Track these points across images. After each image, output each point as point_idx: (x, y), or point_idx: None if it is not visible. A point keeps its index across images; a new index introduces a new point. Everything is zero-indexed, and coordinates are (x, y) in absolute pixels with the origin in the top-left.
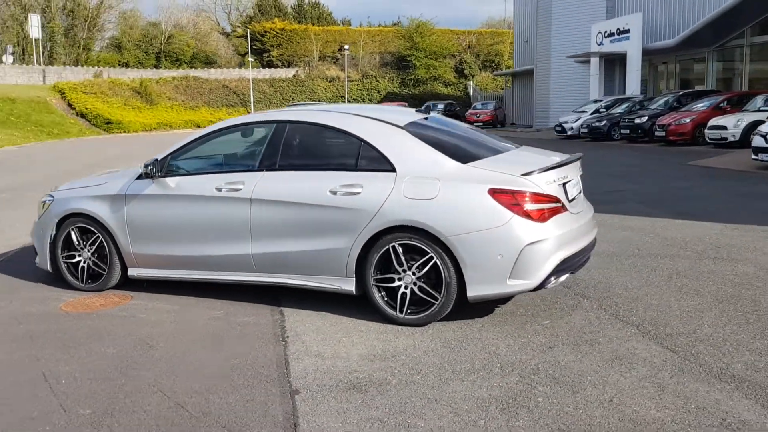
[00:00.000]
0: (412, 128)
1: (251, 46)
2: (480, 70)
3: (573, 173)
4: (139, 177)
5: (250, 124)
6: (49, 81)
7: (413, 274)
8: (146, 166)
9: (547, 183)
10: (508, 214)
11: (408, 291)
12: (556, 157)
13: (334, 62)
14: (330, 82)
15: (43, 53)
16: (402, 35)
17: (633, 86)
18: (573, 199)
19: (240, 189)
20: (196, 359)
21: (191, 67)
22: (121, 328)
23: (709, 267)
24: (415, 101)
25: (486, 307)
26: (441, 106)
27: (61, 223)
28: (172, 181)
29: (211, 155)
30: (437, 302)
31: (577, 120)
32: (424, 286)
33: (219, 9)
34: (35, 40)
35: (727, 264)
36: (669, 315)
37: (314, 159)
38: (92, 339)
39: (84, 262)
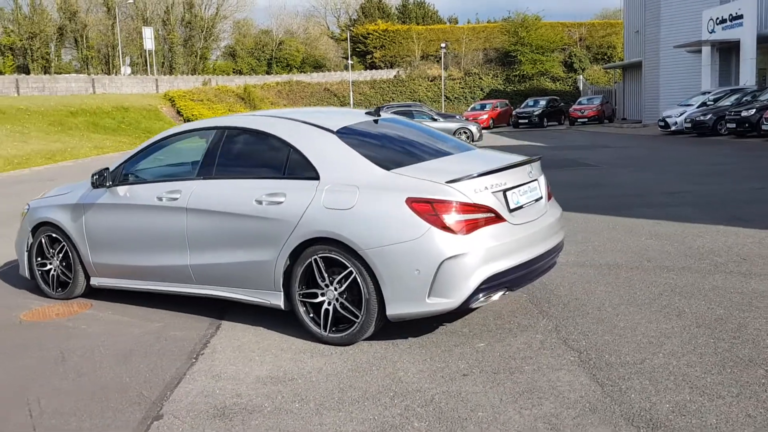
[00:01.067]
0: (345, 132)
1: (354, 48)
2: (591, 63)
3: (520, 178)
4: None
5: (193, 131)
6: (161, 90)
7: (335, 289)
8: (93, 176)
9: (477, 191)
10: (425, 225)
11: (331, 308)
12: (504, 161)
13: (437, 61)
14: (431, 81)
15: (164, 63)
16: (507, 30)
17: (746, 76)
18: (518, 207)
19: (177, 198)
20: (94, 376)
21: (301, 72)
22: (54, 338)
23: (715, 282)
24: (520, 98)
25: (429, 323)
26: (543, 103)
27: (35, 231)
28: (121, 190)
29: (162, 164)
30: (358, 320)
31: (681, 114)
32: (345, 302)
33: (329, 13)
34: (149, 51)
35: (739, 279)
36: (626, 341)
37: (246, 166)
38: (19, 349)
39: (54, 270)
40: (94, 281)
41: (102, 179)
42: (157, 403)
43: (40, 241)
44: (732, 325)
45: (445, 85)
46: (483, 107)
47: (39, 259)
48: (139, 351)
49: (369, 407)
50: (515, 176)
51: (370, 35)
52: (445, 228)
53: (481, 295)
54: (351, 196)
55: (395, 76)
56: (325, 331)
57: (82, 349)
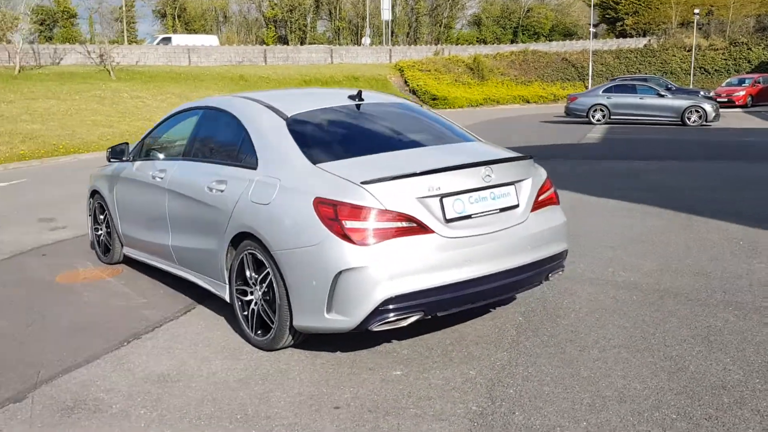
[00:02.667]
0: (299, 119)
1: (603, 15)
2: None
3: (471, 182)
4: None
5: (188, 110)
6: (393, 60)
7: (259, 289)
8: (107, 150)
9: (395, 195)
10: (323, 231)
11: (257, 308)
12: (459, 161)
13: (698, 29)
14: (688, 51)
15: (408, 34)
16: None
17: None
18: (463, 217)
19: (162, 177)
20: (28, 343)
21: (549, 40)
22: (50, 302)
23: (700, 310)
24: None
25: (364, 339)
26: None
27: (91, 198)
28: (134, 165)
29: (174, 142)
30: (273, 327)
31: None
32: (264, 305)
33: None
34: (386, 22)
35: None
36: (538, 386)
37: (212, 149)
38: (10, 307)
39: (102, 236)
40: (124, 250)
41: (115, 154)
42: (39, 384)
43: (94, 208)
44: (657, 348)
45: (703, 56)
46: (741, 82)
47: (95, 224)
48: (93, 326)
49: (205, 427)
50: (463, 180)
51: (622, 0)
52: (345, 236)
53: (386, 316)
54: (271, 190)
55: (645, 46)
56: (252, 331)
57: (54, 316)
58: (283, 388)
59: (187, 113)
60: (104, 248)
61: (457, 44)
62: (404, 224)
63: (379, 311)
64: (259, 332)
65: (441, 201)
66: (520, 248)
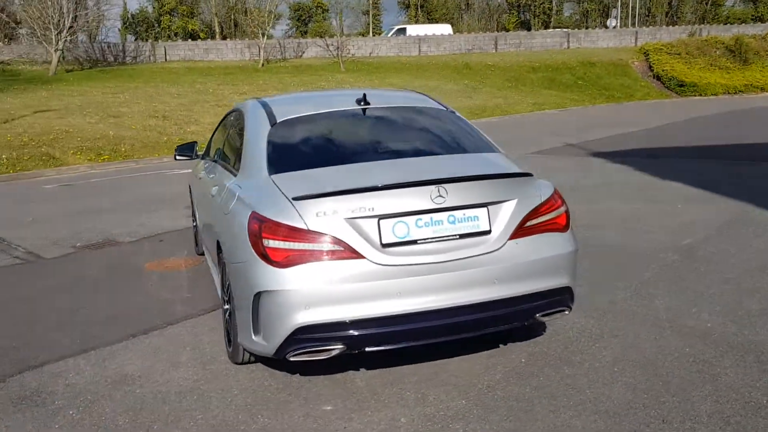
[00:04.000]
0: (287, 123)
1: None
2: None
3: (417, 203)
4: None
5: (232, 110)
6: (639, 42)
7: (228, 301)
8: (176, 148)
9: (322, 214)
10: (248, 249)
11: (225, 321)
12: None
13: None
14: None
15: (668, 13)
16: None
17: None
18: (406, 242)
19: (213, 176)
20: (48, 333)
21: None
22: (118, 287)
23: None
24: None
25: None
26: None
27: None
28: (201, 163)
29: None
30: (231, 341)
31: None
32: (228, 318)
33: None
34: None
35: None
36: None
37: (229, 151)
38: (77, 291)
39: (194, 228)
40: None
41: (182, 151)
42: (23, 370)
43: (191, 201)
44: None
45: None
46: None
47: (192, 215)
48: (121, 317)
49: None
50: (407, 200)
51: None
52: (264, 256)
53: (303, 346)
54: (231, 200)
55: None
56: (227, 342)
57: (104, 302)
58: (208, 407)
59: (231, 113)
60: (195, 239)
61: (725, 23)
62: (329, 247)
63: (294, 340)
64: (229, 345)
65: (378, 223)
66: (485, 281)
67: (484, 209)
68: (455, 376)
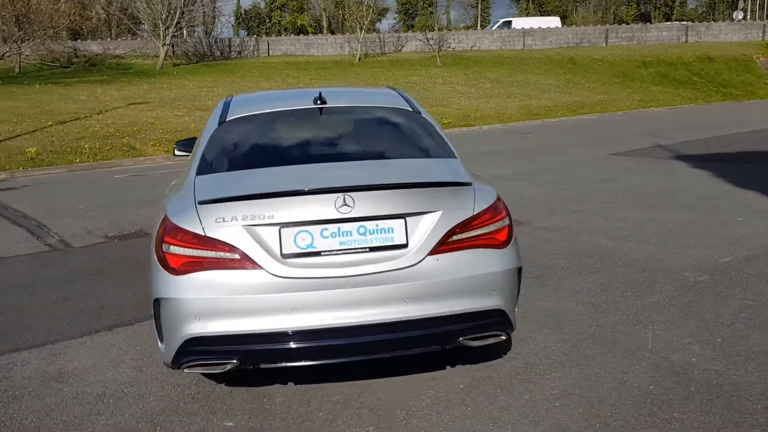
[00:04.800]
0: (231, 123)
1: None
2: None
3: (322, 212)
4: None
5: None
6: None
7: None
8: (175, 144)
9: (221, 220)
10: (154, 252)
11: None
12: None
13: None
14: None
15: None
16: None
17: None
18: (308, 253)
19: None
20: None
21: None
22: (124, 277)
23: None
24: None
25: (270, 372)
26: None
27: None
28: None
29: None
30: None
31: None
32: None
33: None
34: None
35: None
36: None
37: None
38: (88, 277)
39: None
40: None
41: (181, 145)
42: None
43: None
44: None
45: None
46: None
47: None
48: (98, 311)
49: None
50: (312, 209)
51: None
52: (162, 260)
53: (196, 358)
54: (165, 200)
55: None
56: None
57: (86, 296)
58: (117, 412)
59: None
60: None
61: None
62: (225, 255)
63: (185, 351)
64: None
65: (279, 231)
66: (394, 299)
67: (401, 221)
68: (380, 398)
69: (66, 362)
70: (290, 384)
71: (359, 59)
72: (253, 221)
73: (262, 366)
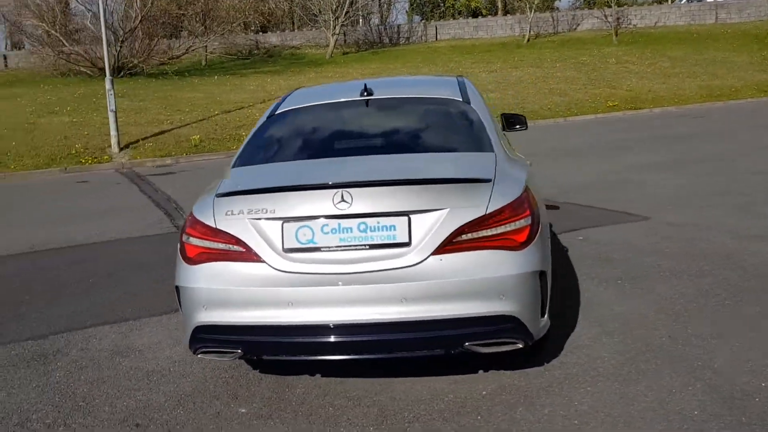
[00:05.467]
0: (282, 115)
1: None
2: None
3: (323, 208)
4: None
5: None
6: None
7: None
8: None
9: (230, 213)
10: (179, 243)
11: None
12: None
13: None
14: None
15: None
16: None
17: None
18: (309, 248)
19: None
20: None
21: None
22: None
23: None
24: None
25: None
26: None
27: None
28: None
29: None
30: None
31: None
32: None
33: None
34: None
35: None
36: None
37: None
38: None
39: None
40: None
41: None
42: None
43: None
44: None
45: None
46: None
47: None
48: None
49: None
50: (313, 204)
51: None
52: (182, 250)
53: (205, 345)
54: None
55: None
56: None
57: None
58: (155, 389)
59: None
60: None
61: None
62: (232, 247)
63: (196, 338)
64: None
65: (282, 226)
66: (391, 299)
67: (404, 218)
68: (394, 399)
69: (136, 338)
70: (317, 376)
71: (528, 40)
72: (258, 215)
73: (265, 358)
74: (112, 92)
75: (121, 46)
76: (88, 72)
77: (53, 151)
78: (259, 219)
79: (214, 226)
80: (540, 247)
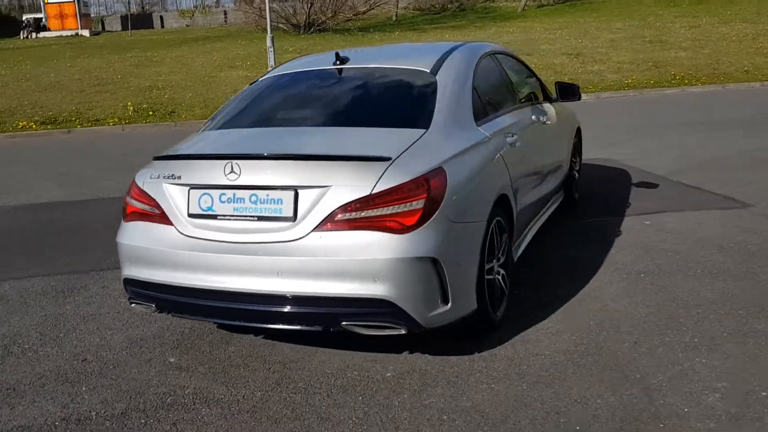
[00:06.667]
0: (260, 81)
1: None
2: None
3: (218, 177)
4: None
5: None
6: None
7: None
8: None
9: (154, 177)
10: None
11: None
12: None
13: None
14: None
15: None
16: None
17: None
18: (207, 215)
19: None
20: None
21: None
22: None
23: None
24: None
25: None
26: None
27: None
28: None
29: None
30: None
31: None
32: None
33: None
34: None
35: None
36: None
37: None
38: None
39: None
40: None
41: None
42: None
43: None
44: None
45: None
46: None
47: None
48: None
49: None
50: (209, 173)
51: None
52: (123, 209)
53: (131, 297)
54: None
55: None
56: None
57: None
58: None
59: None
60: None
61: None
62: (150, 209)
63: (126, 289)
64: None
65: (188, 192)
66: (268, 271)
67: (290, 192)
68: (303, 368)
69: None
70: (260, 337)
71: None
72: (170, 181)
73: (174, 314)
74: (272, 49)
75: (312, 3)
76: (284, 27)
77: (220, 103)
78: (172, 184)
79: (141, 188)
80: (436, 231)
